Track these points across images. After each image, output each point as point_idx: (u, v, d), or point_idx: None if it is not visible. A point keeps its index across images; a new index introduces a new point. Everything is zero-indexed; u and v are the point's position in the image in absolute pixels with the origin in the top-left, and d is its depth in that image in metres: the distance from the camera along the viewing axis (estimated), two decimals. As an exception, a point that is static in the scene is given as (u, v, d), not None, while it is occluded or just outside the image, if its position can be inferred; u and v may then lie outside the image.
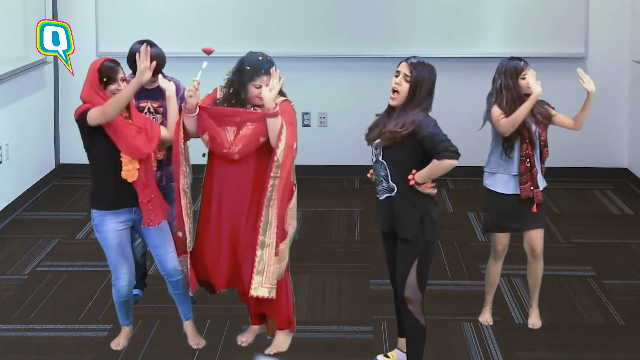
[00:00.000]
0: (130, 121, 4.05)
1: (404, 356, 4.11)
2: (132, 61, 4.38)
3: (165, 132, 4.20)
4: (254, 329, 4.42)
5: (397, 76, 3.84)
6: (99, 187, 4.11)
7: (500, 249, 4.53)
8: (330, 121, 7.53)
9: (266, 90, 3.99)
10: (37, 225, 6.27)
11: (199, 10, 7.31)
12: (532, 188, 4.38)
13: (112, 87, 4.00)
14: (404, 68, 3.83)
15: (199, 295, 4.90)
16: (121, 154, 4.00)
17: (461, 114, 6.89)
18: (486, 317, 4.67)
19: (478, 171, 7.29)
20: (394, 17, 7.29)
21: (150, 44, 4.41)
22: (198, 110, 4.06)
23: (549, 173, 6.86)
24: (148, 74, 3.93)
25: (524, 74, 4.35)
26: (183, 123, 4.11)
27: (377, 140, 3.87)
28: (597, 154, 7.41)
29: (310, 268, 5.40)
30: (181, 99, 4.54)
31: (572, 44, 7.29)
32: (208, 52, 4.20)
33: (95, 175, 4.11)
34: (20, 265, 5.48)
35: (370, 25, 7.29)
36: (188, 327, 4.41)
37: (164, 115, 4.55)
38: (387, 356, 4.21)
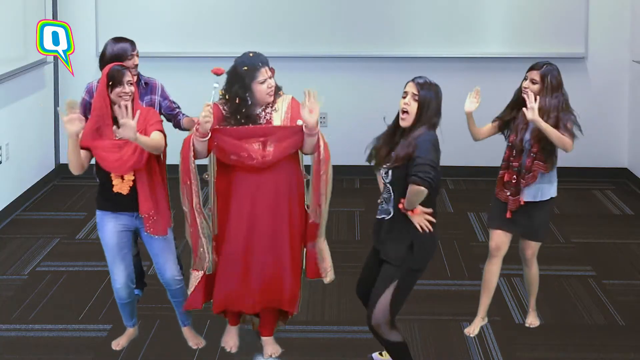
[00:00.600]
0: (115, 139, 3.98)
1: None
2: (103, 61, 4.43)
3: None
4: (233, 329, 4.34)
5: (404, 97, 3.79)
6: (100, 191, 4.12)
7: (493, 247, 4.46)
8: (330, 121, 7.52)
9: (307, 114, 3.88)
10: (37, 225, 6.27)
11: (199, 10, 7.31)
12: (508, 194, 4.35)
13: (117, 89, 3.96)
14: (411, 88, 3.78)
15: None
16: None
17: (461, 114, 6.89)
18: (473, 328, 4.57)
19: (478, 171, 7.36)
20: (394, 17, 7.29)
21: (123, 39, 4.51)
22: (210, 134, 3.92)
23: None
24: (74, 126, 3.83)
25: (527, 74, 4.34)
26: (193, 144, 3.96)
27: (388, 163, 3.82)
28: (597, 154, 7.41)
29: (310, 268, 5.40)
30: (162, 96, 4.65)
31: (572, 44, 7.29)
32: (218, 72, 4.01)
33: (98, 180, 4.13)
34: (20, 265, 5.48)
35: (370, 25, 7.29)
36: (187, 332, 4.42)
37: None
38: (381, 354, 4.22)
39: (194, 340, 4.40)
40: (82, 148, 3.96)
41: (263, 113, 4.03)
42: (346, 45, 7.34)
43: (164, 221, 4.12)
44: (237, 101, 3.96)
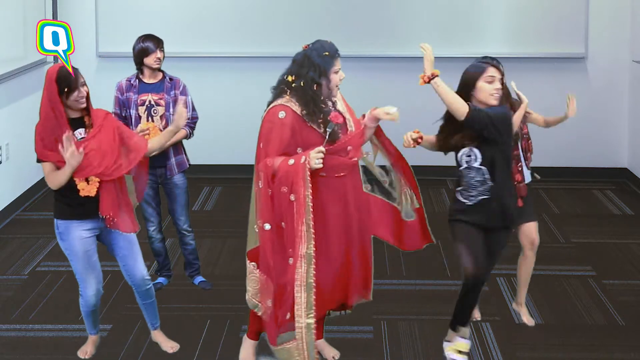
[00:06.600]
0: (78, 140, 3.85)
1: (468, 342, 4.17)
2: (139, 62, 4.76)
3: (151, 144, 4.03)
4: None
5: (492, 82, 3.97)
6: (62, 200, 3.95)
7: (529, 242, 4.53)
8: (330, 121, 7.52)
9: (384, 115, 4.05)
10: (37, 225, 6.27)
11: (199, 10, 7.32)
12: (516, 183, 4.37)
13: (74, 95, 3.84)
14: (496, 73, 4.01)
15: (199, 293, 4.91)
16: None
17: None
18: (524, 312, 4.68)
19: (478, 171, 7.35)
20: (393, 17, 7.29)
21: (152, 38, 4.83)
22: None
23: (550, 173, 6.87)
24: (76, 159, 3.77)
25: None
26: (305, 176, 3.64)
27: (466, 148, 3.97)
28: (597, 154, 7.42)
29: (310, 268, 5.39)
30: (182, 93, 4.84)
31: (572, 44, 7.29)
32: (336, 120, 3.80)
33: (57, 189, 3.93)
34: (20, 265, 5.49)
35: (370, 25, 7.29)
36: (157, 335, 4.34)
37: (167, 107, 4.76)
38: (460, 352, 4.18)
39: (167, 344, 4.29)
40: (43, 161, 3.84)
41: (330, 104, 3.86)
42: (346, 45, 7.22)
43: (130, 220, 4.00)
44: (314, 87, 3.73)
